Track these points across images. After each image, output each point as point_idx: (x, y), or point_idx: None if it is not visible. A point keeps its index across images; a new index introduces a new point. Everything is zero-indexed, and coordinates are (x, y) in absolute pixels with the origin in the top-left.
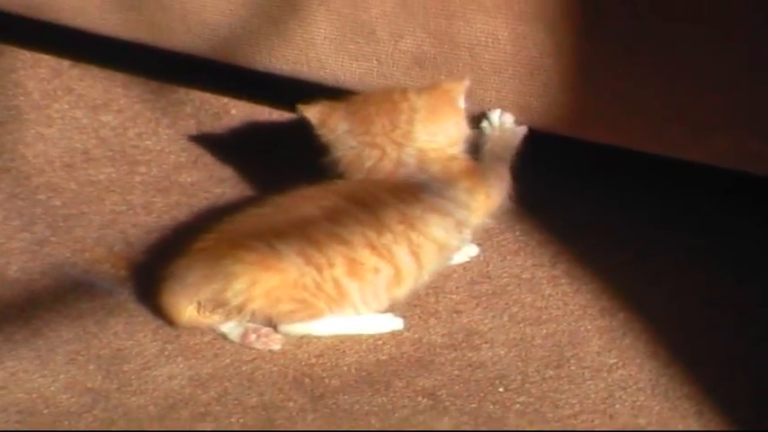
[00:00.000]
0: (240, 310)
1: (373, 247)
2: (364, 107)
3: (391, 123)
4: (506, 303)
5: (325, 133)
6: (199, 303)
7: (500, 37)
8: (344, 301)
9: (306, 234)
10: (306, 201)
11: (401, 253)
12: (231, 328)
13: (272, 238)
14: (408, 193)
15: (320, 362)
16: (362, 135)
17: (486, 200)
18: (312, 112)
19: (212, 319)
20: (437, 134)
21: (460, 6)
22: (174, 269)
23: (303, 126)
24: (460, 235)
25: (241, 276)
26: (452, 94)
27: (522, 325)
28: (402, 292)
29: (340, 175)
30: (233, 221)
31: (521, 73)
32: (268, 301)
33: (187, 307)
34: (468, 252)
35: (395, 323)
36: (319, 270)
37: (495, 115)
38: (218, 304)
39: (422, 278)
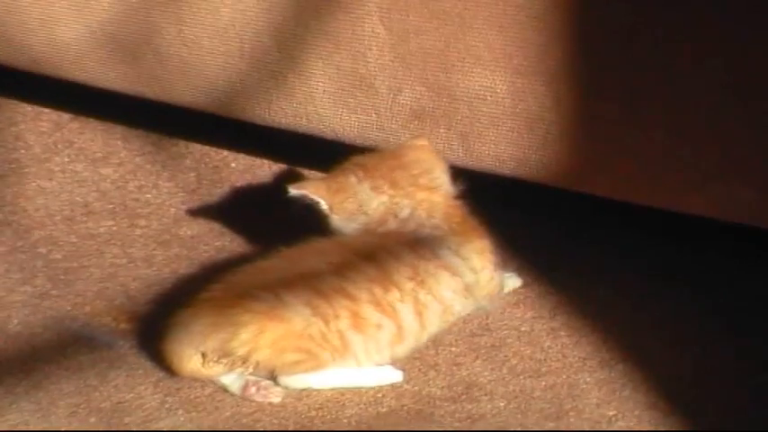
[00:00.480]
0: (245, 360)
1: (377, 304)
2: (374, 168)
3: (412, 174)
4: (506, 356)
5: (340, 202)
6: (203, 353)
7: (498, 90)
8: (348, 352)
9: (313, 286)
10: (314, 254)
11: (406, 311)
12: (232, 381)
13: (280, 289)
14: (424, 248)
15: (320, 414)
16: (392, 189)
17: (491, 280)
18: (316, 188)
19: (214, 370)
20: (446, 180)
21: (459, 60)
22: (180, 318)
23: (303, 179)
24: (465, 300)
25: (248, 326)
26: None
27: (521, 377)
28: (403, 349)
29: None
30: (239, 272)
31: (519, 126)
32: (273, 352)
33: (192, 356)
34: (513, 283)
35: (394, 375)
36: (326, 321)
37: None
38: (224, 354)
39: (422, 338)
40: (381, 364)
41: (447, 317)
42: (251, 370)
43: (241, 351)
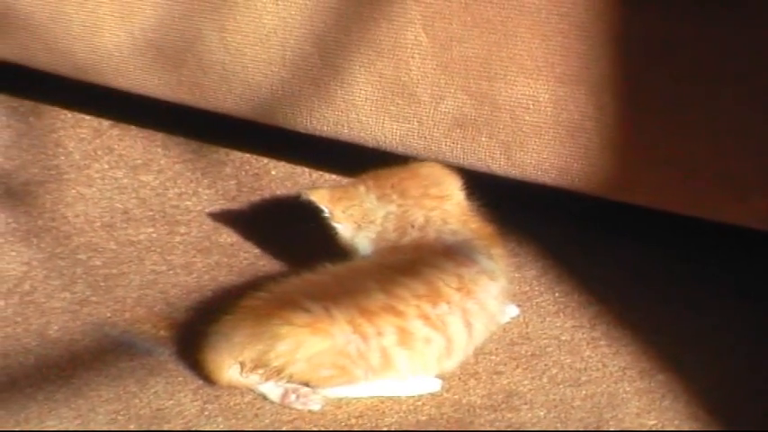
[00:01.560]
0: (279, 372)
1: (427, 318)
2: (385, 179)
3: (422, 184)
4: (546, 365)
5: (349, 211)
6: (242, 363)
7: (541, 99)
8: (389, 370)
9: (357, 303)
10: (357, 271)
11: (455, 323)
12: (270, 389)
13: (324, 303)
14: (460, 255)
15: (360, 422)
16: (401, 198)
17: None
18: (321, 195)
19: (251, 380)
20: (458, 192)
21: (501, 68)
22: (221, 327)
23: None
24: (502, 306)
25: (286, 338)
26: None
27: (561, 386)
28: (451, 364)
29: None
30: (283, 283)
31: (561, 135)
32: (309, 366)
33: (230, 365)
34: (508, 313)
35: (432, 385)
36: (365, 339)
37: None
38: (260, 365)
39: (469, 351)
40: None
41: (491, 326)
42: (286, 380)
43: (276, 363)
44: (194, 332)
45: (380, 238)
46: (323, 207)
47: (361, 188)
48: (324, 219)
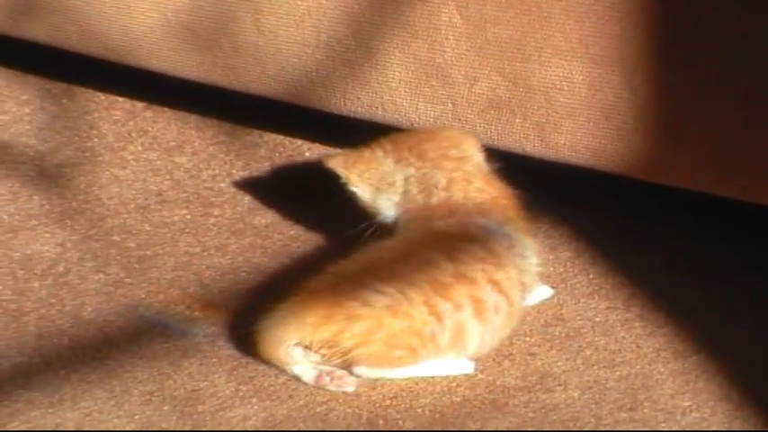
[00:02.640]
0: (346, 353)
1: (495, 283)
2: (402, 142)
3: (440, 146)
4: (580, 346)
5: (365, 175)
6: (309, 343)
7: (575, 80)
8: (456, 348)
9: (429, 277)
10: (416, 244)
11: (514, 287)
12: (304, 371)
13: (397, 285)
14: (499, 219)
15: (394, 404)
16: (419, 161)
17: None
18: (336, 161)
19: (292, 359)
20: (478, 154)
21: (536, 50)
22: (288, 307)
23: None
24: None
25: (365, 319)
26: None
27: (595, 368)
28: (507, 332)
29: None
30: (348, 263)
31: (596, 117)
32: (384, 347)
33: (291, 344)
34: (542, 294)
35: (466, 366)
36: (440, 319)
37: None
38: (329, 345)
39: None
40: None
41: (526, 292)
42: (332, 361)
43: (349, 343)
44: (229, 314)
45: (405, 200)
46: (339, 172)
47: (379, 152)
48: (342, 184)
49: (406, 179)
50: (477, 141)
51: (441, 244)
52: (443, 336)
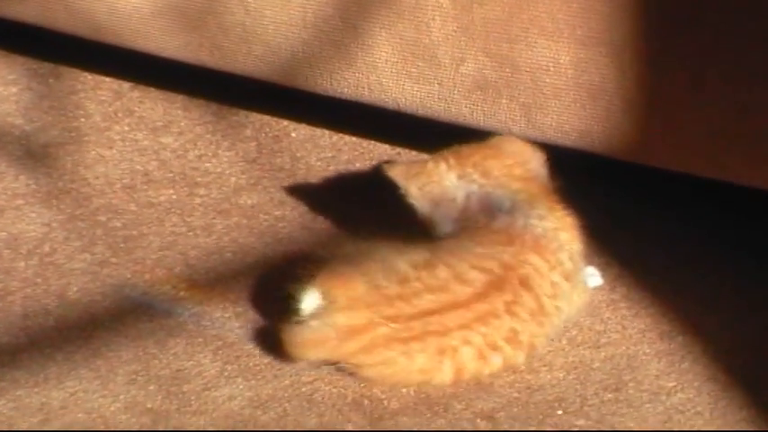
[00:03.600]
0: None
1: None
2: (466, 157)
3: (506, 164)
4: (565, 327)
5: (426, 188)
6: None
7: (562, 61)
8: None
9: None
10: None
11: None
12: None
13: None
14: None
15: (379, 384)
16: (483, 178)
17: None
18: (400, 171)
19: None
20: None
21: (522, 31)
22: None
23: (363, 149)
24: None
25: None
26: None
27: (580, 348)
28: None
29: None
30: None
31: (582, 98)
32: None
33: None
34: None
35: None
36: None
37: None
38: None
39: None
40: None
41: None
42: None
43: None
44: (215, 293)
45: (464, 217)
46: (399, 183)
47: (442, 165)
48: (401, 195)
49: (468, 196)
50: (542, 156)
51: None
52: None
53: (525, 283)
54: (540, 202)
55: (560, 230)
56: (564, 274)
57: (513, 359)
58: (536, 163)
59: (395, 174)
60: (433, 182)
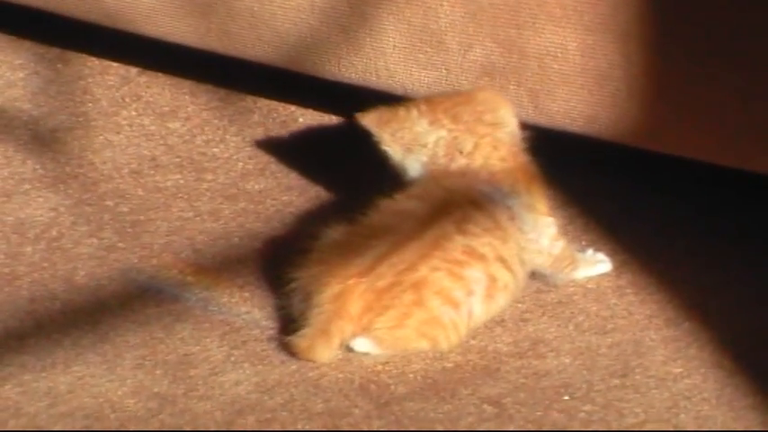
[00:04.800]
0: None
1: (503, 261)
2: (438, 103)
3: (476, 110)
4: (572, 313)
5: (398, 134)
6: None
7: (569, 47)
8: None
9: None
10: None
11: (516, 262)
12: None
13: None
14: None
15: (386, 369)
16: (453, 123)
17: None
18: (372, 118)
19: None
20: (513, 122)
21: (530, 17)
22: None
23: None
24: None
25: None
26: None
27: (587, 334)
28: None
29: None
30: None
31: (589, 83)
32: (416, 334)
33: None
34: (602, 268)
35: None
36: (456, 306)
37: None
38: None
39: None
40: None
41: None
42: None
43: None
44: (222, 279)
45: (431, 162)
46: (371, 130)
47: (414, 112)
48: (374, 142)
49: (437, 141)
50: (513, 108)
51: (450, 211)
52: (462, 324)
53: (476, 204)
54: (502, 146)
55: (515, 171)
56: (522, 206)
57: (487, 272)
58: (505, 112)
59: (368, 121)
60: (404, 128)
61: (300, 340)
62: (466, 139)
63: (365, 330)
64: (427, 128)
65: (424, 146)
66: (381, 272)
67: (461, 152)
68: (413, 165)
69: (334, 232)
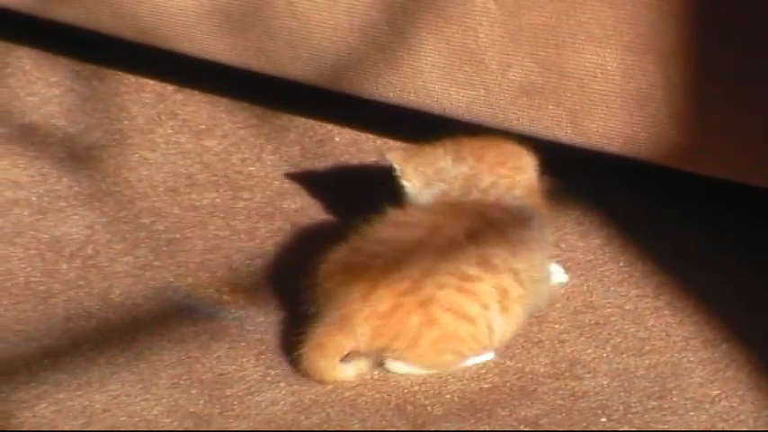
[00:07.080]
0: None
1: (516, 274)
2: (465, 144)
3: (501, 154)
4: (609, 334)
5: (420, 168)
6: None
7: (609, 68)
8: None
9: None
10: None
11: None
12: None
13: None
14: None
15: (423, 389)
16: (476, 162)
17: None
18: (398, 155)
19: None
20: (534, 170)
21: (570, 36)
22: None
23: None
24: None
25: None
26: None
27: (624, 355)
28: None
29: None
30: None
31: (629, 104)
32: (433, 351)
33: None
34: (558, 278)
35: (488, 354)
36: (470, 320)
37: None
38: (381, 350)
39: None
40: None
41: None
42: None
43: (400, 346)
44: (258, 297)
45: (444, 193)
46: (395, 165)
47: (440, 150)
48: (395, 177)
49: (456, 176)
50: (536, 161)
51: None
52: (482, 336)
53: (486, 218)
54: (519, 187)
55: (536, 209)
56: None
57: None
58: (528, 162)
59: (393, 157)
60: (428, 163)
61: (300, 357)
62: (485, 177)
63: (382, 352)
64: (451, 165)
65: (444, 180)
66: (381, 294)
67: (477, 186)
68: (426, 197)
69: (339, 252)
